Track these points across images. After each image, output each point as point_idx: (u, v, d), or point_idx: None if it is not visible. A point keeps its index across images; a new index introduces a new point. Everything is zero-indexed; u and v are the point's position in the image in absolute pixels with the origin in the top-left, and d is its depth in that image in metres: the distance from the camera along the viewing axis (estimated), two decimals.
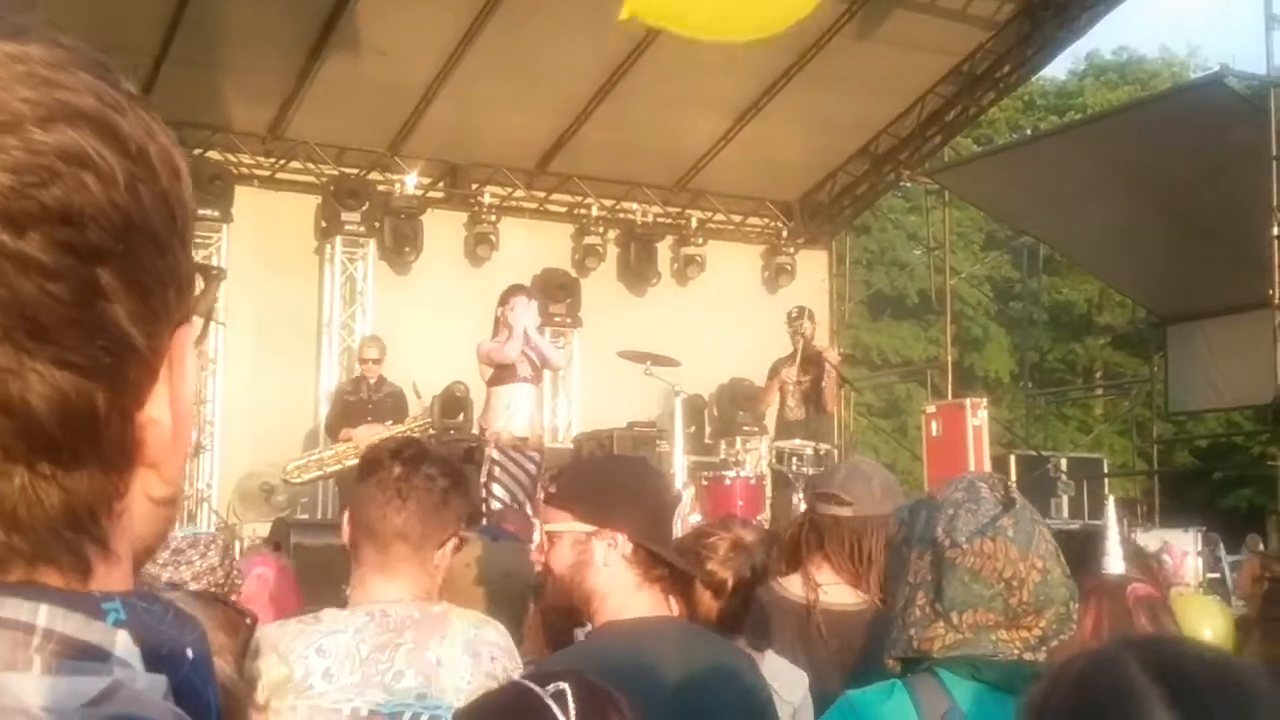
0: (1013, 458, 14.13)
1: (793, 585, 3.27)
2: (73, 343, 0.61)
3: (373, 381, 10.97)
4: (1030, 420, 20.02)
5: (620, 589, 2.65)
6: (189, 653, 0.66)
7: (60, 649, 0.60)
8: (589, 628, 2.76)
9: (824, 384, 10.95)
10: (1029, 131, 26.76)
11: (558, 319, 13.74)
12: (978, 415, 13.02)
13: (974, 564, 1.96)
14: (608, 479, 2.90)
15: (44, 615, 0.60)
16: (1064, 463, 14.22)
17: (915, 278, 24.17)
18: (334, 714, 2.39)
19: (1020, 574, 1.96)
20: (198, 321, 0.72)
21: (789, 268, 15.37)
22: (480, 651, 2.52)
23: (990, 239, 27.44)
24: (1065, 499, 13.15)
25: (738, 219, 15.40)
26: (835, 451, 13.29)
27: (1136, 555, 4.61)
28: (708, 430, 13.53)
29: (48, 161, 0.61)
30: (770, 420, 11.66)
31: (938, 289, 18.01)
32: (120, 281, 0.63)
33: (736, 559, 3.20)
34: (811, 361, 10.99)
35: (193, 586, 2.97)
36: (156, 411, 0.67)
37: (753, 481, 10.16)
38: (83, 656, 0.61)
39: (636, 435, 11.65)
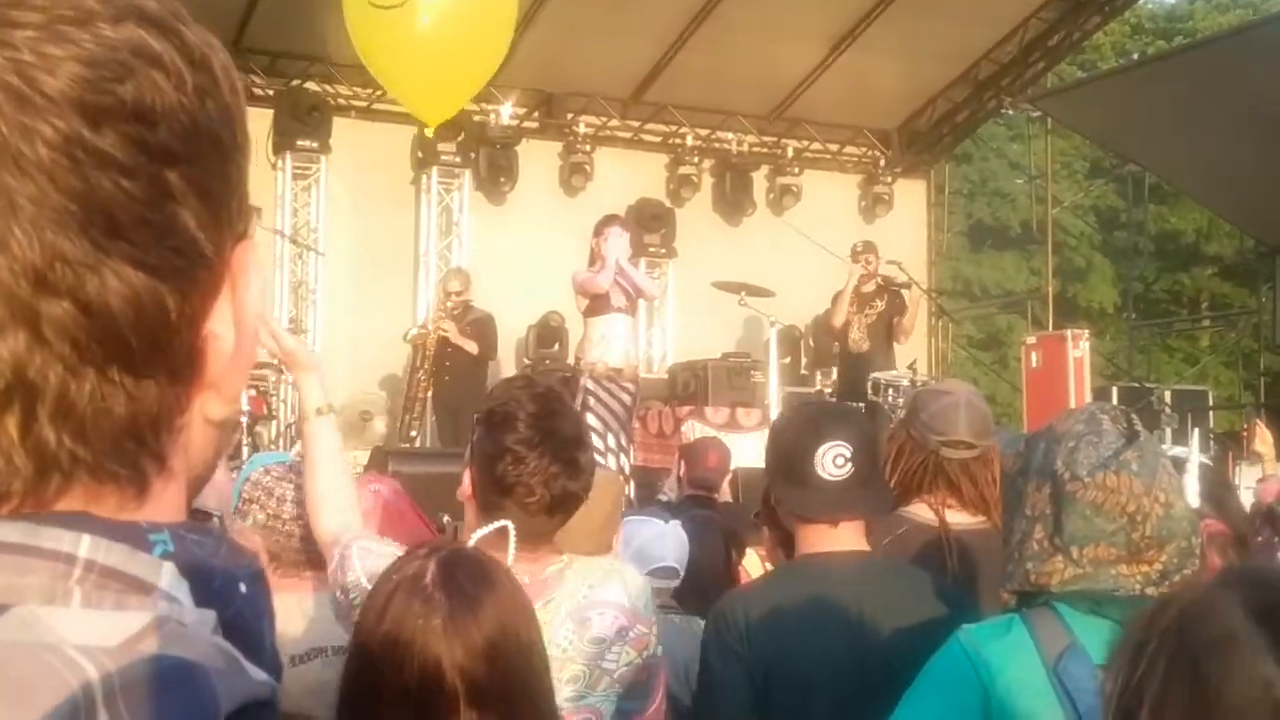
0: (1115, 389, 13.88)
1: (921, 512, 3.25)
2: (146, 242, 0.61)
3: (458, 310, 11.00)
4: (1134, 352, 19.64)
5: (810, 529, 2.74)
6: (241, 586, 0.65)
7: (102, 581, 0.59)
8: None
9: (897, 319, 10.71)
10: (1135, 56, 26.04)
11: (652, 249, 13.70)
12: (1079, 347, 12.83)
13: (1096, 498, 1.90)
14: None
15: (86, 546, 0.59)
16: (1168, 395, 13.95)
17: (1017, 208, 23.73)
18: None
19: (1144, 508, 1.90)
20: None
21: (886, 197, 15.16)
22: (589, 616, 2.46)
23: (1095, 167, 26.78)
24: (1168, 431, 12.89)
25: (834, 148, 15.20)
26: (931, 382, 13.18)
27: (1216, 491, 4.51)
28: (803, 361, 13.44)
29: (122, 57, 0.60)
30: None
31: (1040, 219, 17.65)
32: (188, 186, 0.63)
33: None
34: (880, 295, 10.75)
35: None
36: (219, 326, 0.66)
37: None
38: (126, 589, 0.59)
39: (731, 366, 11.61)
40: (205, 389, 0.67)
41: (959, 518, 3.23)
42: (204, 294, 0.65)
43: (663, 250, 13.89)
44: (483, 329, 10.79)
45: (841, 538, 2.72)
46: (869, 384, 10.18)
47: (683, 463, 6.40)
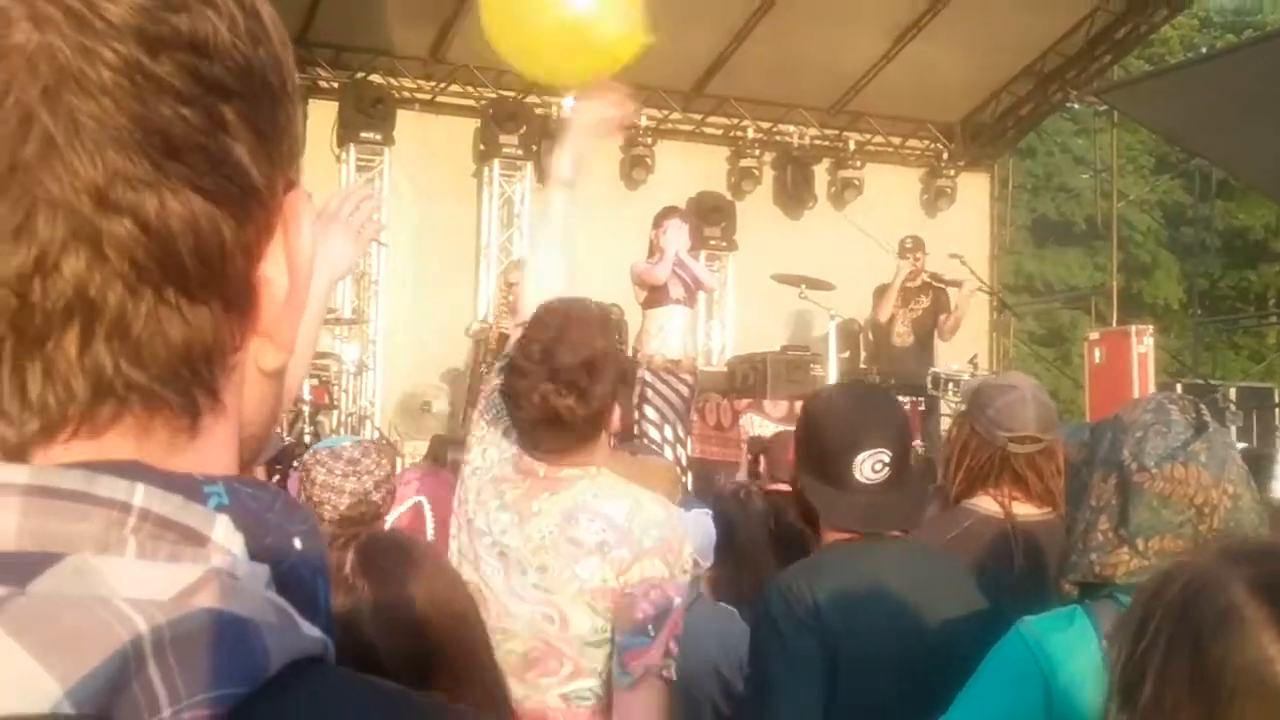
0: (1179, 387, 13.69)
1: (986, 504, 3.25)
2: (201, 167, 0.62)
3: (518, 305, 11.02)
4: (1199, 349, 19.38)
5: None
6: (296, 542, 0.65)
7: (156, 531, 0.58)
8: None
9: (943, 316, 10.65)
10: (1204, 50, 25.65)
11: (713, 242, 13.68)
12: (1143, 342, 12.67)
13: (1163, 489, 1.89)
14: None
15: (141, 495, 0.59)
16: (1233, 392, 13.74)
17: (1082, 203, 23.46)
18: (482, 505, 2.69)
19: (1212, 500, 1.88)
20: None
21: (949, 191, 15.03)
22: (576, 517, 2.58)
23: (1161, 163, 26.44)
24: (1233, 429, 12.71)
25: (897, 141, 15.10)
26: (992, 378, 13.06)
27: None
28: (862, 355, 13.36)
29: None
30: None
31: (1104, 214, 17.44)
32: (241, 121, 0.64)
33: None
34: (926, 291, 10.70)
35: (375, 496, 3.04)
36: (272, 270, 0.67)
37: (907, 406, 10.00)
38: (180, 540, 0.59)
39: (790, 359, 11.56)
40: (259, 335, 0.67)
41: (1025, 509, 3.22)
42: (258, 229, 0.66)
43: (723, 243, 13.87)
44: None
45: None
46: (929, 378, 10.12)
47: (762, 457, 6.35)
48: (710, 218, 13.67)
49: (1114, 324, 15.07)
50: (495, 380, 2.83)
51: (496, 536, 2.61)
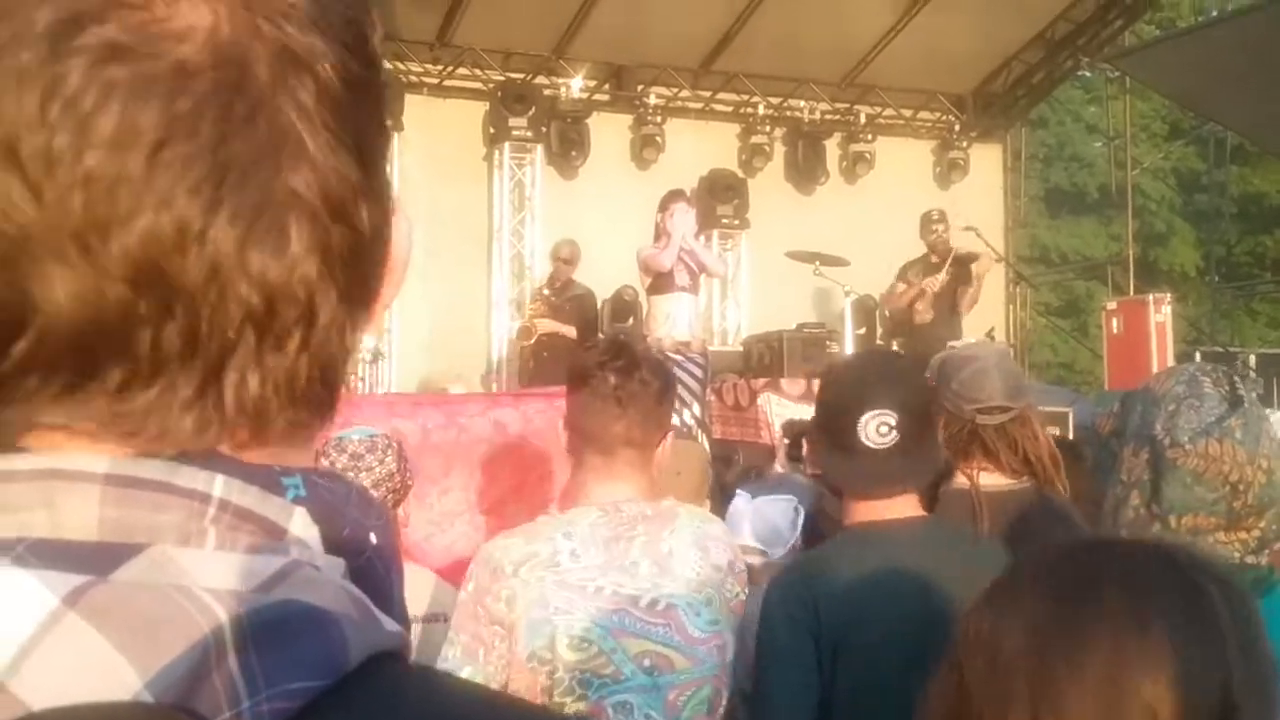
0: (1198, 354, 13.65)
1: (955, 480, 3.20)
2: (378, 175, 0.63)
3: (560, 284, 10.97)
4: (1217, 316, 19.30)
5: None
6: (372, 536, 0.65)
7: (235, 522, 0.58)
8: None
9: (962, 288, 10.59)
10: (1214, 14, 25.44)
11: (725, 220, 13.63)
12: (1161, 311, 12.62)
13: (1197, 466, 1.85)
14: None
15: (220, 486, 0.58)
16: (1252, 359, 13.70)
17: (1095, 172, 23.37)
18: (580, 589, 2.43)
19: (1247, 477, 1.84)
20: None
21: (961, 163, 14.94)
22: (707, 545, 2.55)
23: (1174, 129, 26.27)
24: (1254, 394, 12.63)
25: (908, 114, 15.01)
26: (1011, 351, 13.01)
27: None
28: (879, 330, 13.31)
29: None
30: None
31: (1119, 183, 17.34)
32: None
33: None
34: (945, 265, 10.65)
35: (374, 495, 3.00)
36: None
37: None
38: (258, 532, 0.59)
39: (806, 337, 11.50)
40: None
41: (994, 480, 3.13)
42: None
43: (735, 221, 13.81)
44: (582, 307, 10.78)
45: (896, 505, 2.67)
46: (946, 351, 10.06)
47: (804, 442, 6.26)
48: (722, 196, 13.62)
49: (1131, 293, 14.99)
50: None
51: (655, 593, 2.47)
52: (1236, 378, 1.94)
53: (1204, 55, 14.39)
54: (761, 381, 10.72)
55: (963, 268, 10.56)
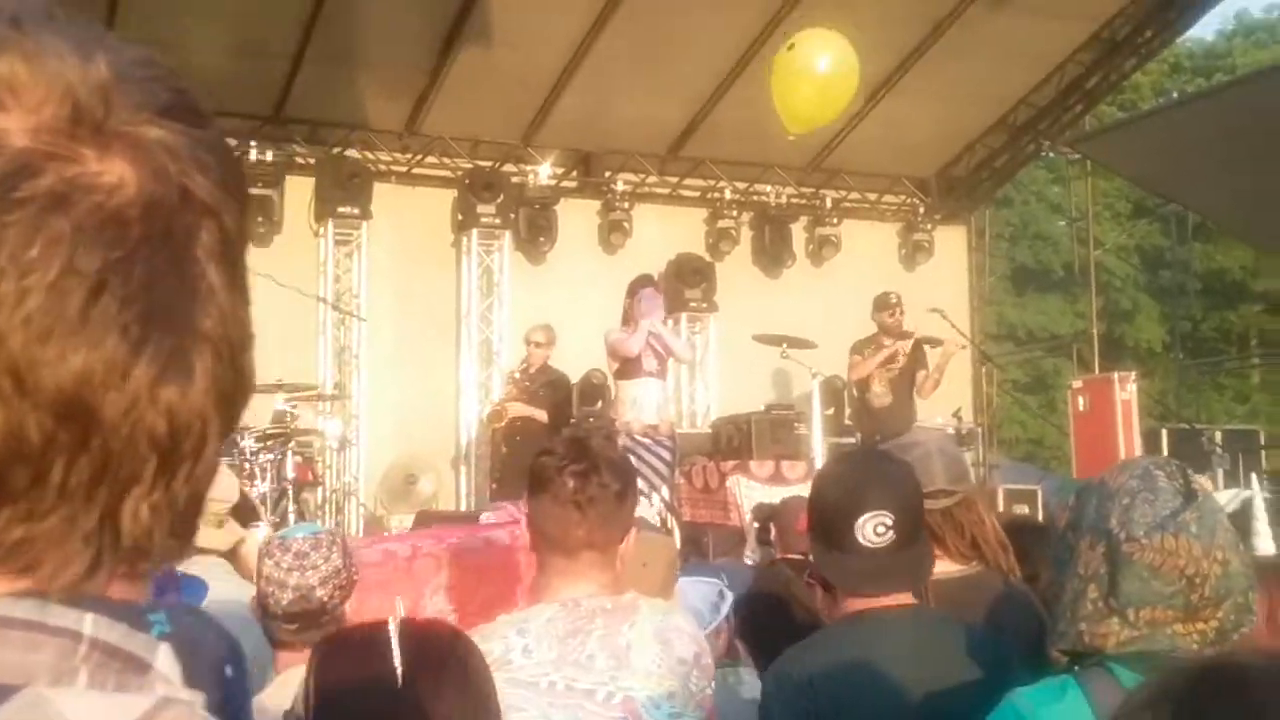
0: (1164, 431, 13.72)
1: None
2: None
3: (534, 368, 10.94)
4: (1183, 391, 19.44)
5: None
6: (228, 670, 0.67)
7: (104, 660, 0.59)
8: None
9: (921, 373, 10.54)
10: (1175, 95, 25.92)
11: (693, 304, 13.70)
12: (1126, 389, 12.71)
13: (1153, 560, 1.85)
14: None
15: (89, 624, 0.60)
16: (1218, 435, 13.76)
17: (1060, 250, 23.66)
18: (532, 686, 2.42)
19: (1203, 570, 1.85)
20: None
21: (927, 245, 15.09)
22: (670, 639, 2.53)
23: (1138, 207, 26.67)
24: (1220, 472, 12.70)
25: (873, 197, 15.17)
26: (979, 430, 13.06)
27: None
28: (846, 412, 13.36)
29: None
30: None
31: (1083, 261, 17.54)
32: None
33: None
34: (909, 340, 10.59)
35: (320, 592, 2.97)
36: None
37: None
38: (126, 669, 0.60)
39: (774, 419, 11.55)
40: None
41: (944, 567, 3.13)
42: None
43: (703, 304, 13.88)
44: (555, 392, 10.75)
45: (891, 599, 2.72)
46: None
47: (772, 526, 6.25)
48: (690, 279, 13.70)
49: (1096, 370, 15.12)
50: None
51: (611, 687, 2.46)
52: (1190, 471, 1.95)
53: (1164, 138, 14.62)
54: (731, 464, 10.74)
55: (919, 350, 10.56)
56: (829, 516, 2.75)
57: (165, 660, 0.62)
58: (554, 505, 2.57)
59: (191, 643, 0.64)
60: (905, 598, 2.73)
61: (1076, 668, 1.97)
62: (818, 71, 9.43)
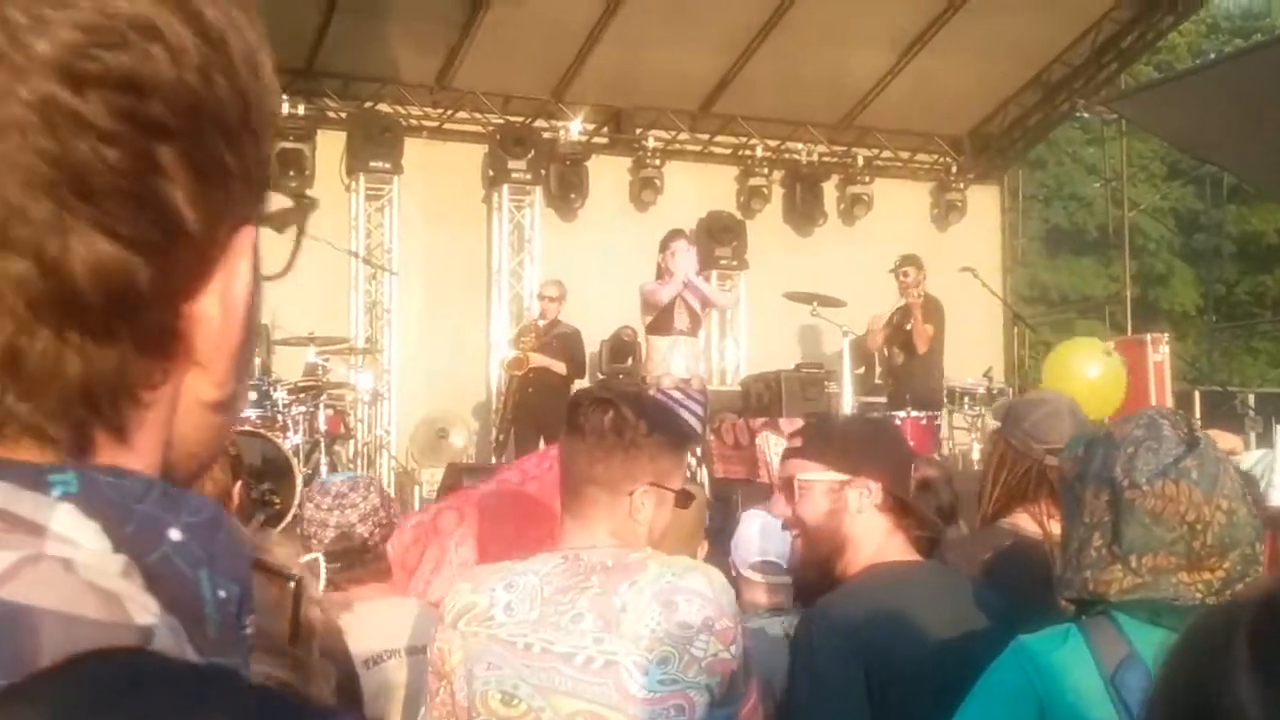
0: (1197, 393, 13.66)
1: (1022, 523, 3.25)
2: (120, 212, 0.61)
3: (544, 322, 10.97)
4: (1216, 355, 19.32)
5: (874, 535, 2.78)
6: (172, 533, 0.62)
7: None
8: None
9: (910, 326, 10.78)
10: (1212, 56, 25.59)
11: (723, 262, 13.69)
12: (1159, 351, 12.61)
13: (1155, 506, 1.88)
14: (855, 432, 3.01)
15: None
16: (1251, 398, 13.70)
17: (1094, 212, 23.44)
18: (509, 645, 2.41)
19: (1204, 517, 1.87)
20: (278, 238, 0.72)
21: (959, 204, 15.02)
22: (674, 601, 2.47)
23: (1173, 169, 26.37)
24: (1253, 435, 12.64)
25: (905, 155, 15.10)
26: (1010, 390, 13.03)
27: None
28: (877, 370, 13.35)
29: (118, 26, 0.60)
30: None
31: (1117, 223, 17.42)
32: (180, 162, 0.63)
33: (923, 498, 3.17)
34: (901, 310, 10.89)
35: (360, 529, 3.05)
36: (208, 307, 0.66)
37: (924, 421, 9.99)
38: (9, 529, 0.57)
39: (804, 377, 11.53)
40: (194, 369, 0.67)
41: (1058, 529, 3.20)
42: (186, 271, 0.65)
43: (734, 262, 13.87)
44: (569, 345, 10.78)
45: (904, 548, 2.80)
46: (944, 393, 10.13)
47: None
48: (720, 237, 13.69)
49: (1129, 333, 15.01)
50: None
51: (592, 650, 2.41)
52: (1195, 421, 1.98)
53: (1200, 98, 14.45)
54: (760, 421, 10.74)
55: (925, 311, 10.76)
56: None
57: (65, 521, 0.58)
58: (567, 437, 2.60)
59: (110, 504, 0.61)
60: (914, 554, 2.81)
61: (1082, 616, 2.01)
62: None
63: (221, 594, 0.63)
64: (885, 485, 2.79)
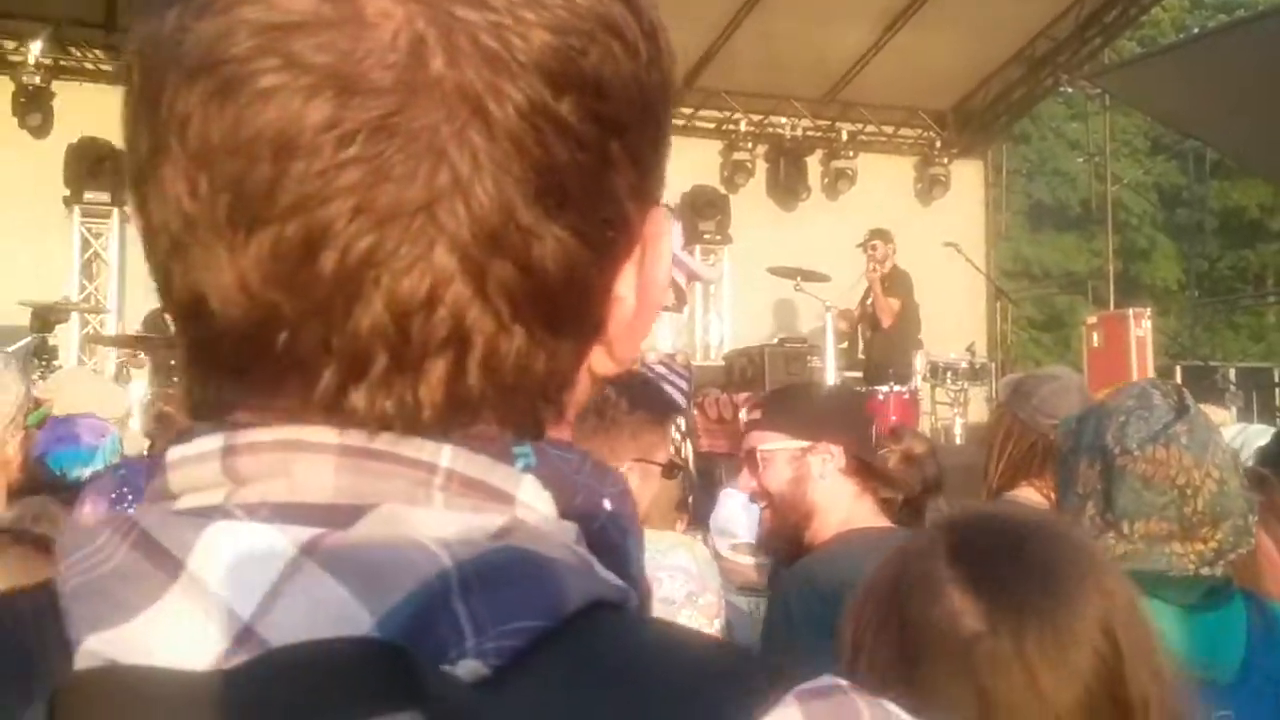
0: (1179, 368, 13.71)
1: (1027, 496, 3.26)
2: (587, 212, 0.62)
3: None
4: (1199, 330, 19.40)
5: (841, 500, 2.80)
6: (606, 503, 0.67)
7: (462, 490, 0.61)
8: None
9: (869, 301, 11.02)
10: (1195, 30, 25.62)
11: (707, 236, 13.67)
12: (1141, 326, 12.66)
13: (1145, 471, 1.88)
14: (813, 399, 3.07)
15: (447, 456, 0.61)
16: (1232, 373, 13.75)
17: (1078, 187, 23.50)
18: None
19: (1194, 481, 1.88)
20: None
21: (943, 179, 15.02)
22: (658, 577, 2.50)
23: (1156, 144, 26.48)
24: (1234, 410, 12.71)
25: (889, 130, 15.08)
26: (992, 366, 13.08)
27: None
28: (860, 345, 13.38)
29: (588, 26, 0.61)
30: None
31: (1099, 198, 17.46)
32: (626, 155, 0.64)
33: (908, 471, 3.16)
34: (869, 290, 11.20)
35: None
36: (624, 289, 0.67)
37: (906, 395, 10.01)
38: (486, 499, 0.62)
39: (788, 351, 11.54)
40: (599, 345, 0.69)
41: None
42: (619, 260, 0.67)
43: (717, 236, 13.86)
44: None
45: (874, 512, 2.85)
46: (927, 366, 10.18)
47: None
48: (704, 211, 13.67)
49: (1111, 307, 15.07)
50: None
51: None
52: (1185, 391, 1.98)
53: (1183, 73, 14.47)
54: (744, 395, 10.75)
55: (888, 285, 10.99)
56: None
57: (530, 491, 0.63)
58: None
59: (561, 475, 0.64)
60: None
61: None
62: None
63: (637, 558, 0.68)
64: (847, 449, 2.80)
